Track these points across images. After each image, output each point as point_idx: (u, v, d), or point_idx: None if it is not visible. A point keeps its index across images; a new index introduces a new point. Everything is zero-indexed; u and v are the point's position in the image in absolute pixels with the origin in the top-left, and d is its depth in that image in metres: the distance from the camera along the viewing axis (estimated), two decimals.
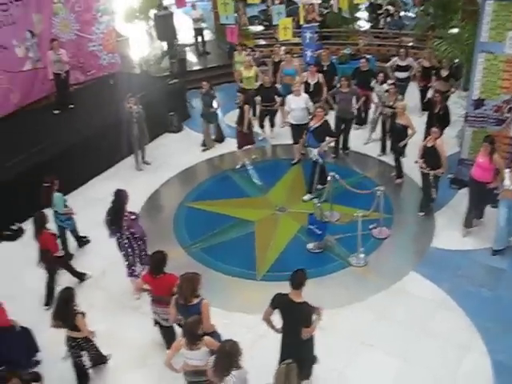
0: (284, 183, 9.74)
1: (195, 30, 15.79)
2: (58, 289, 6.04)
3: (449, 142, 9.20)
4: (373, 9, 16.64)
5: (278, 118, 11.17)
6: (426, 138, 8.60)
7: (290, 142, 10.27)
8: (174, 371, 5.06)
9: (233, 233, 8.37)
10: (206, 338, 4.89)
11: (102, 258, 7.80)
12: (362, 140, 10.85)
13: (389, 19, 15.81)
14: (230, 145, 10.58)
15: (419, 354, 6.06)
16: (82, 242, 8.22)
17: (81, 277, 7.46)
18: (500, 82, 8.07)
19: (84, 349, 5.74)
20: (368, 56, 12.00)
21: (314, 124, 8.71)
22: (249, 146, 10.18)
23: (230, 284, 7.31)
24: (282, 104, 10.56)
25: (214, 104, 10.73)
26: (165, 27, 12.45)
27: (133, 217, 6.84)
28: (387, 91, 9.85)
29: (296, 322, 5.08)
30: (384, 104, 9.91)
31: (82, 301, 5.77)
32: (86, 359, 5.85)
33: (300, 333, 5.01)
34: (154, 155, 10.79)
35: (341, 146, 10.38)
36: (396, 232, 8.15)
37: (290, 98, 9.83)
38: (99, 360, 6.06)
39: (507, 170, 7.22)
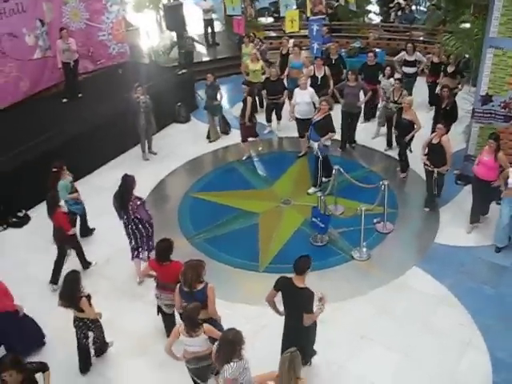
0: (289, 176, 9.74)
1: (205, 20, 15.69)
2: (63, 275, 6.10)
3: (455, 138, 9.17)
4: (384, 2, 16.52)
5: (285, 110, 11.16)
6: (432, 133, 8.55)
7: (297, 134, 10.28)
8: (174, 358, 5.12)
9: (237, 224, 8.41)
10: (206, 325, 4.94)
11: (106, 246, 7.87)
12: (370, 134, 10.83)
13: (400, 13, 15.67)
14: (237, 137, 10.58)
15: (419, 349, 6.07)
16: (89, 230, 8.26)
17: (86, 264, 7.54)
18: (508, 78, 8.01)
19: (90, 329, 5.84)
20: (377, 50, 11.92)
21: (316, 117, 8.69)
22: (252, 139, 10.18)
23: (233, 275, 7.35)
24: (290, 97, 10.53)
25: (218, 97, 10.73)
26: (174, 17, 12.40)
27: (138, 202, 6.91)
28: (393, 86, 9.79)
29: (296, 307, 5.13)
30: (388, 99, 9.85)
31: (86, 288, 5.82)
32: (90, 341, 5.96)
33: (301, 318, 5.06)
34: (160, 145, 10.82)
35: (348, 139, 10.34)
36: (400, 227, 8.15)
37: (296, 91, 9.82)
38: (102, 347, 6.15)
39: (511, 169, 7.16)
